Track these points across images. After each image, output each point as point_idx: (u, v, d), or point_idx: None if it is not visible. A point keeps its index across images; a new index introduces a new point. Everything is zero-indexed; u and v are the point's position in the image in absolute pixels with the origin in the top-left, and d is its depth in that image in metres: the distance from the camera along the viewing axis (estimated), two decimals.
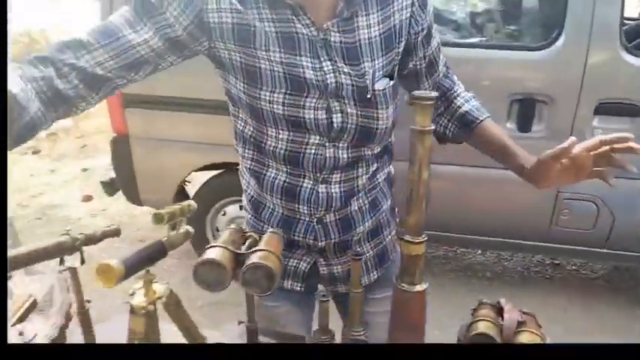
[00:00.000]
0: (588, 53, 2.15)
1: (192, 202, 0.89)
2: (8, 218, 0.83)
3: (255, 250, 0.75)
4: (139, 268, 0.72)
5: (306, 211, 1.04)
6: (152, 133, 2.61)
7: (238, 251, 0.76)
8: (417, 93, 0.74)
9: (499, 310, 0.94)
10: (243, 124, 1.03)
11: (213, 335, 0.97)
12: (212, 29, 0.91)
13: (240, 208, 2.76)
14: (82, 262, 0.88)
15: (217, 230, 2.85)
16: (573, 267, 3.34)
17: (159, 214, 0.79)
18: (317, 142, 0.97)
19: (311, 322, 1.29)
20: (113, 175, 2.86)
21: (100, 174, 4.55)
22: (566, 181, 0.97)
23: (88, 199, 4.10)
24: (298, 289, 1.15)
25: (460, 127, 1.12)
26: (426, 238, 0.83)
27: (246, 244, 0.80)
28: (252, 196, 1.12)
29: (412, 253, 0.83)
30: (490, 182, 2.36)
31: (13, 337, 0.95)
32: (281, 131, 0.97)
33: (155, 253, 0.77)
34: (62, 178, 4.54)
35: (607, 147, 0.90)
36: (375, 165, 1.07)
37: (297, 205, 1.04)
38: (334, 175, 1.01)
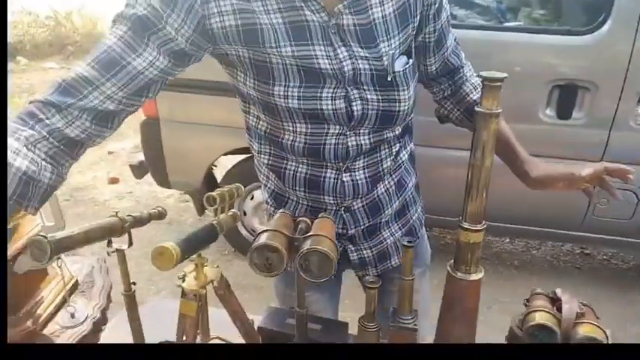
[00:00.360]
0: (636, 39, 2.06)
1: (240, 186, 0.87)
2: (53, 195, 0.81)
3: (311, 235, 0.73)
4: (194, 250, 0.71)
5: (332, 202, 1.01)
6: (182, 117, 2.60)
7: (293, 236, 0.74)
8: (485, 73, 0.70)
9: (554, 301, 0.91)
10: (255, 120, 0.99)
11: (256, 319, 0.97)
12: (216, 35, 0.84)
13: None
14: (130, 244, 0.87)
15: (244, 214, 2.84)
16: (604, 257, 3.27)
17: (211, 196, 0.77)
18: (337, 131, 0.92)
19: (337, 307, 1.29)
20: (141, 157, 2.87)
21: (126, 157, 4.60)
22: (556, 190, 1.03)
23: (114, 181, 4.15)
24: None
25: (465, 116, 1.08)
26: (485, 226, 0.80)
27: (299, 228, 0.78)
28: (273, 190, 1.08)
29: (470, 241, 0.80)
30: None
31: (64, 319, 0.96)
32: (299, 125, 0.91)
33: (207, 235, 0.75)
34: (88, 160, 4.59)
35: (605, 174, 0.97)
36: (398, 145, 1.03)
37: (322, 197, 1.00)
38: (357, 163, 0.97)
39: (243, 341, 0.92)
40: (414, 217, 1.16)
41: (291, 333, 1.00)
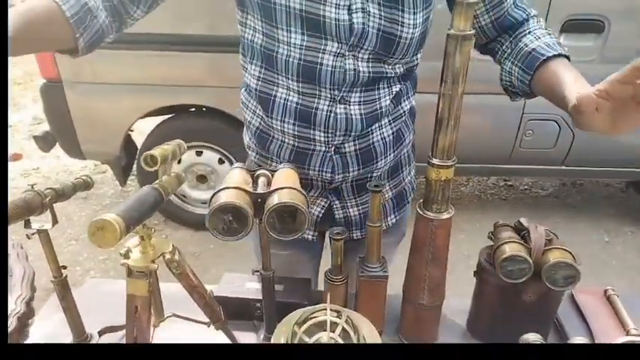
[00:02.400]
0: None
1: (181, 142, 0.76)
2: None
3: (277, 189, 0.64)
4: (139, 220, 0.59)
5: (322, 138, 0.92)
6: (89, 77, 2.32)
7: (255, 191, 0.64)
8: None
9: (519, 231, 0.90)
10: (252, 32, 0.91)
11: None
12: None
13: (197, 154, 2.58)
14: (55, 222, 0.73)
15: None
16: (525, 187, 3.48)
17: (151, 155, 0.65)
18: (335, 50, 0.85)
19: (318, 267, 1.22)
20: (46, 128, 2.56)
21: (26, 130, 4.13)
22: (636, 122, 0.70)
23: (16, 157, 3.72)
24: (310, 237, 1.06)
25: (523, 69, 0.89)
26: (456, 161, 0.75)
27: (259, 183, 0.68)
28: (257, 128, 0.99)
29: (442, 178, 0.75)
30: None
31: None
32: (294, 34, 0.85)
33: (152, 201, 0.64)
34: None
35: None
36: (398, 87, 0.95)
37: (312, 131, 0.91)
38: (354, 94, 0.90)
39: (201, 316, 0.83)
40: (406, 180, 1.09)
41: (252, 297, 0.93)
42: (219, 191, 0.63)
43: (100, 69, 2.31)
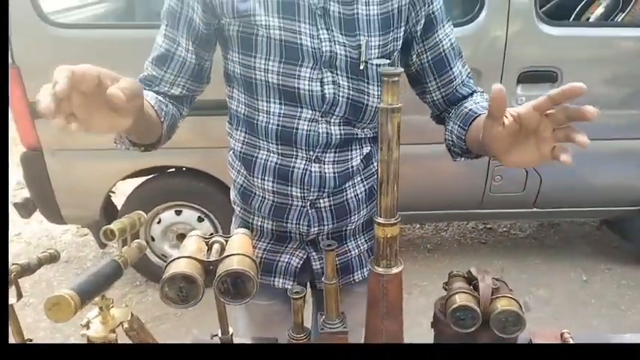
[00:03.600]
0: (508, 26, 2.25)
1: (142, 213, 0.81)
2: None
3: (227, 256, 0.68)
4: (95, 293, 0.63)
5: (298, 194, 1.00)
6: (68, 144, 2.37)
7: (207, 259, 0.69)
8: (383, 69, 0.70)
9: (470, 280, 0.94)
10: (236, 103, 1.02)
11: None
12: (215, 6, 0.93)
13: (177, 213, 2.62)
14: (19, 296, 0.76)
15: (153, 240, 2.68)
16: (504, 229, 3.54)
17: (109, 229, 0.70)
18: (309, 116, 0.96)
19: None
20: (26, 194, 2.59)
21: (10, 195, 4.14)
22: (529, 157, 0.76)
23: None
24: (289, 286, 1.10)
25: (460, 126, 0.97)
26: (399, 219, 0.81)
27: (213, 250, 0.73)
28: (241, 185, 1.08)
29: (388, 235, 0.80)
30: (423, 158, 2.41)
31: None
32: (273, 104, 0.96)
33: (110, 274, 0.68)
34: None
35: (558, 107, 0.70)
36: (369, 148, 1.05)
37: (289, 188, 1.00)
38: (327, 155, 0.99)
39: None
40: None
41: None
42: (171, 261, 0.67)
43: (80, 136, 2.37)
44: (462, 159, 1.03)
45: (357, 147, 1.03)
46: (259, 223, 1.08)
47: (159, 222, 2.63)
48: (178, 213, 2.61)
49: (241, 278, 0.66)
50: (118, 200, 2.80)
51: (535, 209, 2.69)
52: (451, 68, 1.03)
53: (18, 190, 4.19)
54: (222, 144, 2.53)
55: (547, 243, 3.33)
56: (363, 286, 1.07)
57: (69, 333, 2.52)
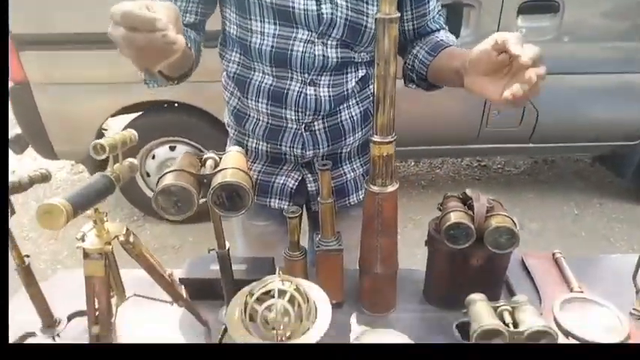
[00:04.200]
0: None
1: (133, 131, 0.78)
2: None
3: (221, 169, 0.67)
4: (87, 205, 0.62)
5: (293, 117, 0.99)
6: (57, 77, 2.31)
7: (200, 173, 0.68)
8: None
9: (465, 201, 0.95)
10: (229, 24, 0.99)
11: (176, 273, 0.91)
12: None
13: (171, 148, 2.60)
14: (12, 212, 0.76)
15: (148, 175, 2.68)
16: (498, 166, 3.56)
17: (99, 144, 0.68)
18: (305, 38, 0.92)
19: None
20: (18, 130, 2.55)
21: None
22: (492, 90, 0.76)
23: None
24: (285, 206, 1.11)
25: (428, 52, 0.98)
26: (395, 137, 0.80)
27: (207, 165, 0.72)
28: (234, 107, 1.06)
29: (384, 154, 0.80)
30: (420, 94, 2.37)
31: None
32: (267, 25, 0.92)
33: (102, 188, 0.67)
34: None
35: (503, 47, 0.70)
36: (365, 71, 1.02)
37: (283, 110, 0.99)
38: (323, 77, 0.97)
39: (165, 296, 0.86)
40: None
41: (215, 278, 0.97)
42: (164, 174, 0.66)
43: (68, 70, 2.31)
44: (414, 86, 1.06)
45: (353, 70, 1.00)
46: (254, 145, 1.07)
47: (153, 157, 2.61)
48: (172, 148, 2.59)
49: (236, 191, 0.66)
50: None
51: (531, 144, 2.68)
52: (428, 2, 1.01)
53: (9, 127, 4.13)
54: (214, 78, 2.47)
55: (541, 179, 3.35)
56: (358, 210, 1.08)
57: (70, 264, 2.58)
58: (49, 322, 0.87)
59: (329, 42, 0.94)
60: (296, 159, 1.05)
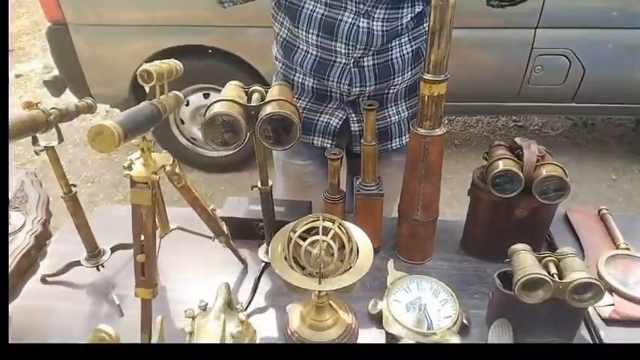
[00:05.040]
0: None
1: (179, 63, 0.77)
2: None
3: (269, 101, 0.66)
4: (136, 131, 0.62)
5: (343, 50, 0.96)
6: (93, 19, 2.30)
7: (249, 104, 0.66)
8: None
9: (513, 150, 0.91)
10: None
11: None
12: None
13: (205, 96, 2.59)
14: (60, 139, 0.76)
15: (182, 122, 2.69)
16: (535, 127, 3.44)
17: (146, 70, 0.67)
18: None
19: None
20: (56, 73, 2.58)
21: (37, 80, 4.15)
22: None
23: (28, 105, 3.74)
24: (329, 146, 1.10)
25: None
26: (448, 76, 0.76)
27: (253, 98, 0.70)
28: (284, 39, 1.04)
29: (434, 94, 0.76)
30: (459, 44, 2.28)
31: None
32: None
33: (150, 115, 0.66)
34: None
35: None
36: (421, 7, 0.97)
37: (333, 43, 0.96)
38: (378, 10, 0.93)
39: (205, 230, 0.87)
40: None
41: (254, 218, 0.97)
42: (213, 103, 0.65)
43: (105, 11, 2.29)
44: (496, 2, 0.97)
45: (410, 5, 0.96)
46: (300, 80, 1.05)
47: (187, 104, 2.61)
48: (206, 96, 2.58)
49: (284, 123, 0.64)
50: None
51: (573, 104, 2.57)
52: None
53: (46, 73, 4.19)
54: (249, 23, 2.41)
55: (579, 142, 3.24)
56: (400, 156, 1.05)
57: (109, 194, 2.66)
58: (94, 252, 0.90)
59: None
60: (341, 96, 1.03)
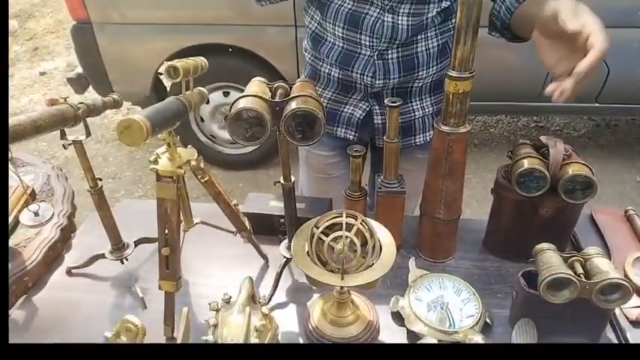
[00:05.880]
0: None
1: (204, 59, 0.78)
2: None
3: (294, 97, 0.66)
4: (164, 125, 0.63)
5: (367, 43, 0.98)
6: (117, 18, 2.34)
7: (273, 99, 0.67)
8: None
9: (538, 148, 0.90)
10: None
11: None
12: None
13: (224, 94, 2.61)
14: (88, 134, 0.78)
15: (202, 120, 2.71)
16: (557, 128, 3.39)
17: (172, 66, 0.68)
18: None
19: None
20: (80, 70, 2.62)
21: (60, 77, 4.23)
22: (548, 56, 0.75)
23: (53, 102, 3.80)
24: (352, 137, 1.11)
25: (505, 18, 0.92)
26: (474, 73, 0.75)
27: (277, 94, 0.71)
28: (312, 31, 1.07)
29: (459, 91, 0.76)
30: (481, 43, 2.25)
31: (26, 219, 0.88)
32: None
33: (176, 110, 0.67)
34: (20, 84, 4.20)
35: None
36: (449, 2, 0.97)
37: (358, 36, 0.98)
38: (403, 5, 0.94)
39: (227, 225, 0.88)
40: None
41: (275, 214, 0.98)
42: (238, 99, 0.66)
43: (128, 10, 2.32)
44: (497, 35, 1.00)
45: (436, 2, 0.95)
46: (327, 71, 1.06)
47: (207, 102, 2.63)
48: (226, 94, 2.60)
49: (309, 119, 0.64)
50: (167, 80, 2.80)
51: (597, 104, 2.52)
52: None
53: (69, 71, 4.28)
54: (270, 22, 2.42)
55: (602, 143, 3.18)
56: (423, 152, 1.05)
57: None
58: (118, 245, 0.91)
59: None
60: (366, 88, 1.04)
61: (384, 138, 0.85)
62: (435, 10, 0.96)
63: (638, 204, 2.60)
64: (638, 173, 2.84)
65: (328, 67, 1.05)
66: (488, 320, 0.79)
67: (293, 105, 0.64)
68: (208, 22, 2.35)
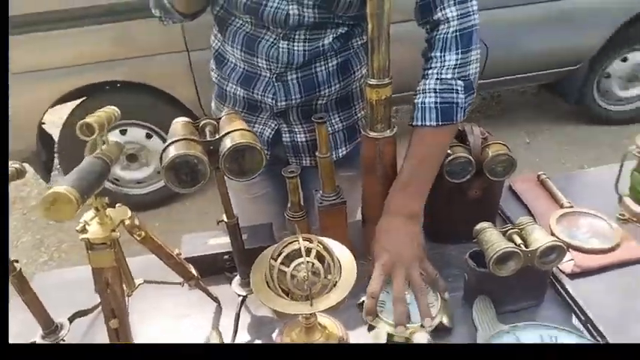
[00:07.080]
0: None
1: (115, 108, 0.72)
2: None
3: (227, 133, 0.64)
4: (91, 189, 0.57)
5: (265, 66, 0.97)
6: None
7: (206, 139, 0.64)
8: None
9: (460, 134, 0.95)
10: None
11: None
12: None
13: (122, 132, 2.46)
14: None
15: None
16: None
17: (85, 123, 0.62)
18: None
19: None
20: None
21: None
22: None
23: None
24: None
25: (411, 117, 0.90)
26: (392, 79, 0.78)
27: (206, 132, 0.68)
28: (216, 50, 1.08)
29: (382, 97, 0.78)
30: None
31: None
32: None
33: (100, 170, 0.62)
34: None
35: None
36: (346, 29, 0.96)
37: (256, 59, 0.97)
38: (297, 33, 0.93)
39: (174, 277, 0.83)
40: (359, 115, 1.10)
41: (219, 252, 0.94)
42: (167, 146, 0.62)
43: None
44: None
45: (333, 27, 0.95)
46: (232, 90, 1.05)
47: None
48: (123, 132, 2.46)
49: (247, 152, 0.62)
50: (54, 130, 2.58)
51: (481, 80, 2.74)
52: None
53: None
54: (155, 51, 2.33)
55: (490, 114, 3.47)
56: (345, 170, 1.06)
57: (74, 254, 2.44)
58: (50, 327, 0.81)
59: (305, 2, 0.88)
60: (270, 108, 1.02)
61: (317, 154, 0.85)
62: (332, 36, 0.95)
63: (532, 162, 2.87)
64: (526, 136, 3.13)
65: (233, 86, 1.05)
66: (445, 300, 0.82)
67: (228, 142, 0.62)
68: (92, 60, 2.21)
